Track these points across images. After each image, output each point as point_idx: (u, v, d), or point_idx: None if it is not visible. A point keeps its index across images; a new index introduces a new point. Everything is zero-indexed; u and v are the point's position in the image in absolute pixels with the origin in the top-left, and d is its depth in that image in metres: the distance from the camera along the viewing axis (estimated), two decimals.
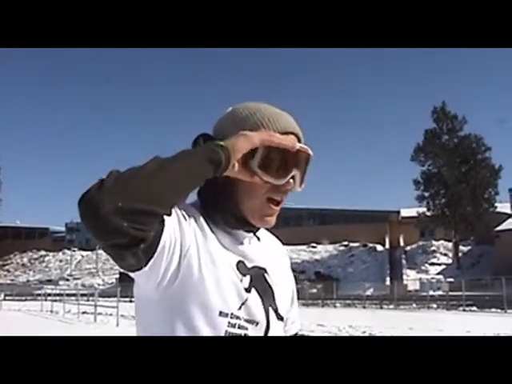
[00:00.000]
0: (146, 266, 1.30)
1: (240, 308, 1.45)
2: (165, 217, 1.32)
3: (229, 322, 1.42)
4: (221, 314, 1.41)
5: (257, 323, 1.48)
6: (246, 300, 1.47)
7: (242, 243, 1.52)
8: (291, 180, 1.47)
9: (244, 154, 1.39)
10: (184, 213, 1.43)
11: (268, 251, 1.61)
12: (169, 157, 1.31)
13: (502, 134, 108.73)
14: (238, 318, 1.44)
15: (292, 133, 1.49)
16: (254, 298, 1.49)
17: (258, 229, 1.56)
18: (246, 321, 1.46)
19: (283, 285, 1.63)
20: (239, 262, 1.49)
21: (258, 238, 1.57)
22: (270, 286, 1.55)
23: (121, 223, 1.18)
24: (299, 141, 1.51)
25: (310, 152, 1.49)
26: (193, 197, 1.51)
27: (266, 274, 1.55)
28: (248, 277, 1.50)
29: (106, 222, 1.18)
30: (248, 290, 1.48)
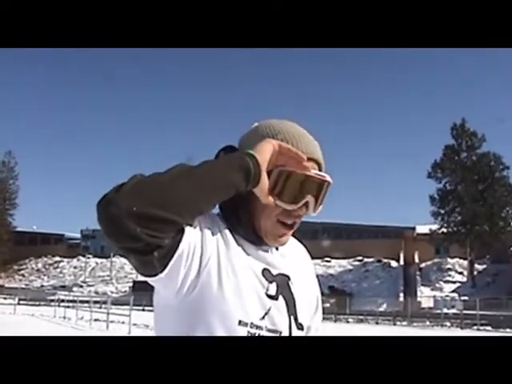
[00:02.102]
0: (161, 273, 1.30)
1: (263, 318, 1.44)
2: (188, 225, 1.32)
3: (248, 332, 1.41)
4: (240, 323, 1.40)
5: (280, 333, 1.47)
6: (270, 309, 1.45)
7: (266, 251, 1.51)
8: (304, 207, 1.46)
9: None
10: (208, 222, 1.42)
11: (292, 259, 1.60)
12: (195, 165, 1.31)
13: None
14: (258, 327, 1.43)
15: (312, 158, 1.48)
16: (279, 306, 1.48)
17: None
18: (269, 330, 1.45)
19: (306, 293, 1.61)
20: (264, 269, 1.49)
21: (281, 249, 1.56)
22: (292, 294, 1.53)
23: (134, 228, 1.18)
24: (320, 167, 1.50)
25: (329, 179, 1.48)
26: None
27: (289, 282, 1.54)
28: (274, 284, 1.49)
29: (119, 225, 1.18)
30: (275, 298, 1.48)
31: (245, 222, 1.47)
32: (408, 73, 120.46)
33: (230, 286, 1.40)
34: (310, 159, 1.46)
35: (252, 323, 1.42)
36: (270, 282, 1.48)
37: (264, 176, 1.38)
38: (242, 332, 1.40)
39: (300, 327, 1.54)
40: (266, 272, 1.48)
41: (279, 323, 1.47)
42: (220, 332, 1.38)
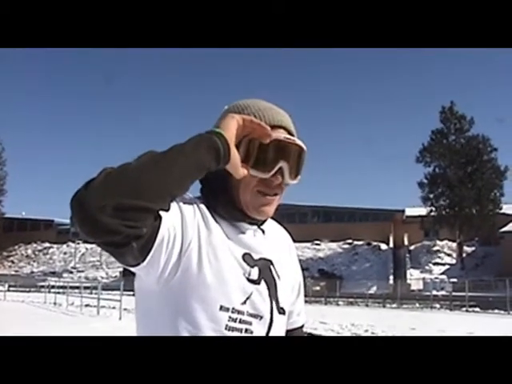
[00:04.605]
0: (143, 261, 1.30)
1: (244, 302, 1.44)
2: (163, 211, 1.31)
3: (229, 317, 1.41)
4: (221, 308, 1.40)
5: (261, 317, 1.47)
6: (251, 294, 1.46)
7: (247, 235, 1.51)
8: (279, 174, 1.45)
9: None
10: (187, 206, 1.42)
11: (274, 243, 1.59)
12: (163, 150, 1.29)
13: (507, 135, 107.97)
14: (240, 312, 1.43)
15: (280, 126, 1.48)
16: (261, 290, 1.48)
17: (264, 221, 1.55)
18: (250, 315, 1.45)
19: (288, 277, 1.61)
20: (245, 254, 1.48)
21: (263, 231, 1.56)
22: (274, 278, 1.54)
23: (109, 221, 1.17)
24: (291, 134, 1.49)
25: (300, 143, 1.47)
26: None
27: (271, 267, 1.54)
28: (256, 268, 1.49)
29: (93, 222, 1.17)
30: (257, 282, 1.48)
31: (224, 200, 1.47)
32: (413, 68, 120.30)
33: (211, 271, 1.40)
34: (278, 127, 1.47)
35: (233, 308, 1.42)
36: (252, 267, 1.48)
37: (234, 151, 1.38)
38: (223, 317, 1.41)
39: (281, 311, 1.54)
40: (247, 257, 1.48)
41: (260, 307, 1.47)
42: (201, 317, 1.39)
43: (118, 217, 1.18)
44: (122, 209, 1.18)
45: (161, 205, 1.28)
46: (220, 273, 1.41)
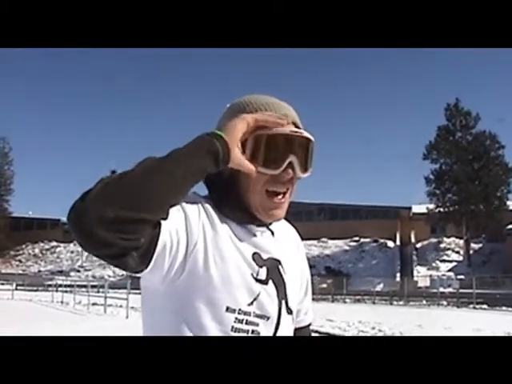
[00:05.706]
0: (146, 268, 1.28)
1: (251, 303, 1.43)
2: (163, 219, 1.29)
3: (236, 318, 1.40)
4: (228, 309, 1.39)
5: (268, 318, 1.46)
6: (259, 295, 1.44)
7: (255, 235, 1.49)
8: (289, 169, 1.42)
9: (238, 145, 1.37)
10: (192, 207, 1.39)
11: (282, 242, 1.57)
12: (161, 156, 1.27)
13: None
14: (246, 313, 1.42)
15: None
16: (269, 290, 1.47)
17: (271, 222, 1.52)
18: (257, 316, 1.44)
19: (296, 277, 1.60)
20: (255, 253, 1.47)
21: (272, 231, 1.54)
22: (283, 278, 1.52)
23: (105, 234, 1.15)
24: (297, 127, 1.47)
25: (307, 135, 1.44)
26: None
27: (280, 266, 1.52)
28: (265, 268, 1.47)
29: (89, 235, 1.15)
30: (265, 282, 1.46)
31: (229, 203, 1.45)
32: (416, 67, 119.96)
33: (217, 271, 1.38)
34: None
35: (240, 309, 1.41)
36: (261, 267, 1.46)
37: (235, 153, 1.35)
38: (229, 318, 1.39)
39: (289, 311, 1.53)
40: (256, 256, 1.46)
41: (268, 308, 1.46)
42: (207, 318, 1.38)
43: (115, 230, 1.16)
44: (119, 221, 1.16)
45: (160, 215, 1.26)
46: (226, 273, 1.40)
